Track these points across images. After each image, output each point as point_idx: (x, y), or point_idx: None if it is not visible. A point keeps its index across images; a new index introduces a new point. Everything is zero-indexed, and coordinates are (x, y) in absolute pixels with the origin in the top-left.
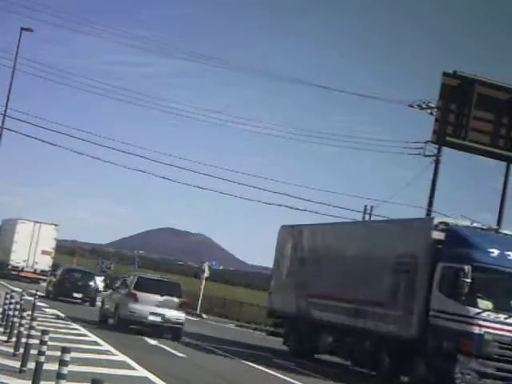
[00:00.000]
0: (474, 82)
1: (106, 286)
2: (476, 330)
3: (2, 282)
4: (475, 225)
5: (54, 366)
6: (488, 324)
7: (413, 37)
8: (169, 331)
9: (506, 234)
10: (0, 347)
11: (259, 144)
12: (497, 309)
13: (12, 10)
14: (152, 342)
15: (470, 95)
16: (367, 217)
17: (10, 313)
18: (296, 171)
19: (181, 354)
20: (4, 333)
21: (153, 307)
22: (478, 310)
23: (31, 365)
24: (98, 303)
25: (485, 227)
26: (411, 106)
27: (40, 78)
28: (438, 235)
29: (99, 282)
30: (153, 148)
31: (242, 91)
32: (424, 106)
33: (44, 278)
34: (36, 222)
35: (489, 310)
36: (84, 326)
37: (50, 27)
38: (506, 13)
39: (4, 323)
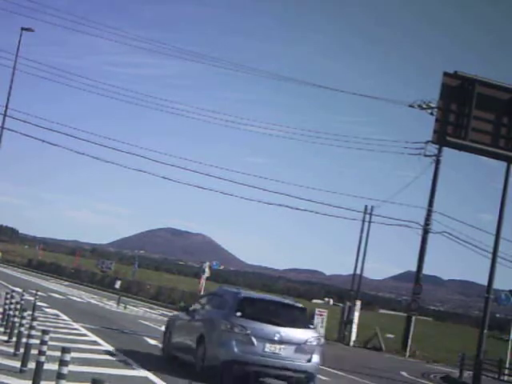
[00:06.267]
0: (475, 81)
1: None
2: None
3: (1, 282)
4: None
5: (55, 366)
6: None
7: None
8: None
9: None
10: (0, 347)
11: (260, 144)
12: None
13: (12, 9)
14: (152, 341)
15: (471, 95)
16: (368, 217)
17: (11, 313)
18: (297, 171)
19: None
20: (4, 333)
21: None
22: None
23: (31, 365)
24: None
25: None
26: (412, 106)
27: (41, 78)
28: None
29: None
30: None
31: (242, 91)
32: (424, 106)
33: None
34: None
35: None
36: (84, 326)
37: (50, 27)
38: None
39: (4, 323)
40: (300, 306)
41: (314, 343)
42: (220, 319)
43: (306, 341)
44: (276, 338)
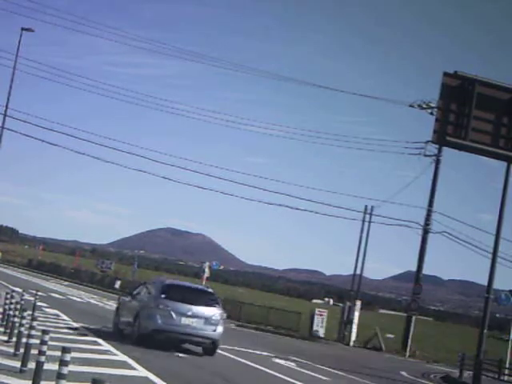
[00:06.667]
0: (475, 81)
1: None
2: None
3: (1, 282)
4: None
5: (55, 366)
6: None
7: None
8: None
9: None
10: (0, 347)
11: (260, 144)
12: None
13: (12, 9)
14: None
15: (471, 95)
16: (368, 217)
17: (11, 313)
18: (297, 171)
19: (181, 354)
20: (4, 333)
21: None
22: None
23: (31, 365)
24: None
25: None
26: (412, 106)
27: (41, 78)
28: None
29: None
30: (153, 148)
31: (242, 91)
32: (424, 106)
33: None
34: None
35: None
36: (84, 326)
37: (50, 27)
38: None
39: (4, 323)
40: (210, 291)
41: (219, 318)
42: (150, 300)
43: (213, 316)
44: (190, 314)
